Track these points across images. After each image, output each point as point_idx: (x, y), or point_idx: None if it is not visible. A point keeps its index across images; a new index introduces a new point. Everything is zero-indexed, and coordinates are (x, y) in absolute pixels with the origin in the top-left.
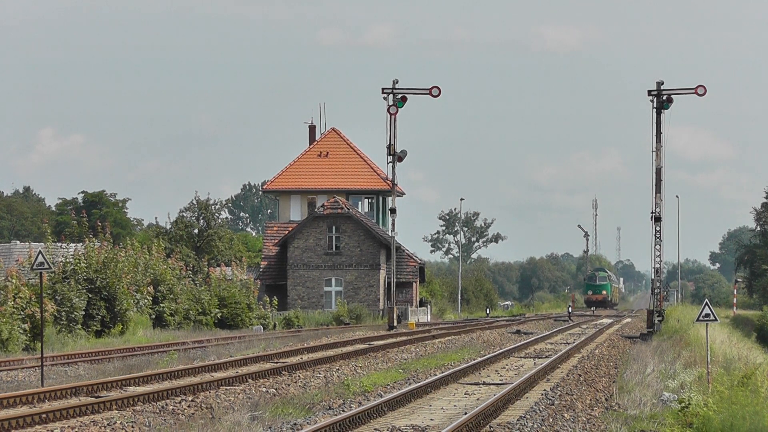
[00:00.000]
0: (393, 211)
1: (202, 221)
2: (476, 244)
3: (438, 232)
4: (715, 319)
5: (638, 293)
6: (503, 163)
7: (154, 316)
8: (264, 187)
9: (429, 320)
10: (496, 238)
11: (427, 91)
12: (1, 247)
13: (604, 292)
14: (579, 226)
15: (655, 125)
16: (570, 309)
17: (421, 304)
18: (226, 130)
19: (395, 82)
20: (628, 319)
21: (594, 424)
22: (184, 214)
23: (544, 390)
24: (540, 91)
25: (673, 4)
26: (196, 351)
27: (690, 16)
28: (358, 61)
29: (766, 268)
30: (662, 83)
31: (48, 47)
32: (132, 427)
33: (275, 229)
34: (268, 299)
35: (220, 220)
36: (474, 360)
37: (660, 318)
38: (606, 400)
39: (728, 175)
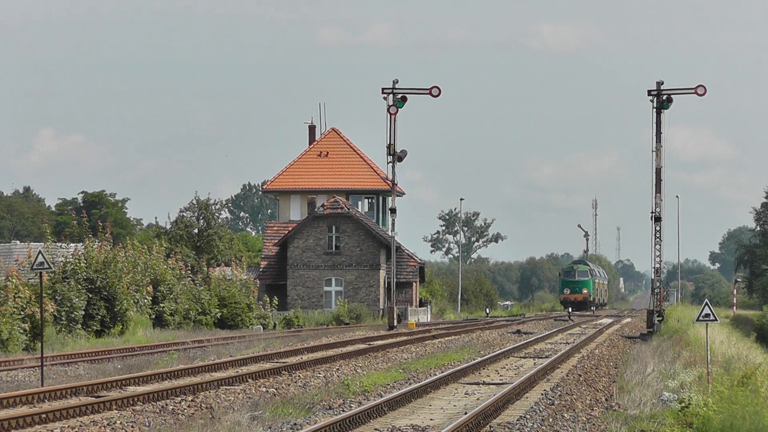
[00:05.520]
0: (393, 211)
1: (202, 221)
2: (476, 244)
3: (438, 232)
4: (715, 319)
5: (638, 293)
6: (503, 162)
7: (154, 316)
8: (264, 187)
9: (429, 320)
10: (496, 238)
11: (427, 91)
12: (1, 247)
13: (585, 291)
14: (579, 226)
15: (654, 125)
16: (570, 309)
17: (421, 304)
18: (226, 130)
19: (395, 82)
20: (628, 319)
21: (594, 424)
22: (184, 214)
23: (544, 390)
24: (539, 91)
25: (672, 4)
26: (196, 351)
27: (690, 16)
28: (358, 61)
29: (766, 268)
30: (662, 83)
31: (48, 47)
32: (132, 427)
33: (275, 229)
34: (268, 299)
35: (220, 220)
36: (474, 360)
37: (660, 318)
38: (606, 400)
39: (727, 175)
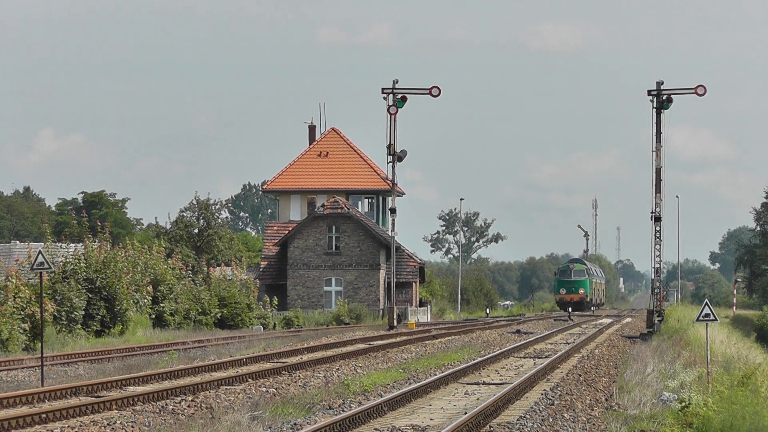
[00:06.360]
0: (393, 211)
1: (202, 221)
2: (476, 244)
3: (438, 232)
4: (715, 319)
5: (638, 293)
6: (503, 162)
7: (154, 316)
8: (264, 187)
9: (429, 320)
10: (496, 238)
11: (427, 91)
12: (1, 247)
13: (582, 291)
14: (579, 226)
15: (654, 125)
16: (570, 309)
17: (421, 304)
18: (226, 130)
19: (395, 82)
20: (628, 319)
21: (594, 424)
22: (184, 214)
23: (544, 390)
24: (540, 91)
25: (672, 4)
26: (196, 351)
27: (690, 16)
28: (358, 61)
29: (765, 268)
30: (662, 83)
31: (48, 47)
32: (132, 427)
33: (275, 229)
34: (268, 299)
35: (220, 220)
36: (474, 360)
37: (660, 318)
38: (606, 400)
39: (727, 175)
